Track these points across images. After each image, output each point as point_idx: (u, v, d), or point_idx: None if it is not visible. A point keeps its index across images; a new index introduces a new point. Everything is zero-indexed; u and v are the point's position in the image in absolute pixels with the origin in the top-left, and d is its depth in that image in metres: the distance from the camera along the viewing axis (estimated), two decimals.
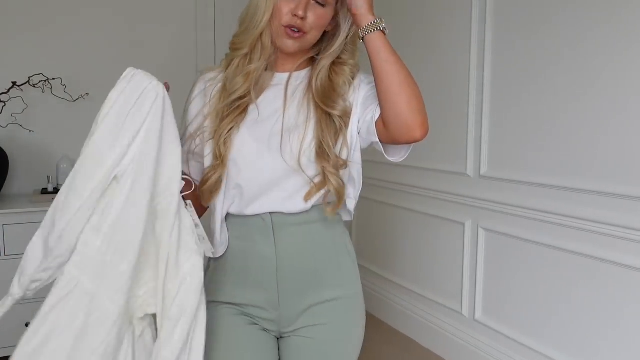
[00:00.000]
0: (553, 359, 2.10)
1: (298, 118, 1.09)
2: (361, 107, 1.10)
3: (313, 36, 1.08)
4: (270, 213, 1.10)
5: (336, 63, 1.11)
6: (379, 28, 1.02)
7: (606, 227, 1.87)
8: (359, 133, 1.10)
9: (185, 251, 0.98)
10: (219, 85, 1.13)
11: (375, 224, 3.24)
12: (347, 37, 1.11)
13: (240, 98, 1.09)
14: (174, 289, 0.95)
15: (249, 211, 1.10)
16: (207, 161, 1.10)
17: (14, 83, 2.61)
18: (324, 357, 1.15)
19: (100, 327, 0.92)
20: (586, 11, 1.92)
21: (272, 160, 1.07)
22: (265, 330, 1.15)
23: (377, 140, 1.07)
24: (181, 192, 0.99)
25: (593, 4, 1.90)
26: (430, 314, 2.80)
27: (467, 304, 2.55)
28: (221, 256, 1.14)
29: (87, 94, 2.79)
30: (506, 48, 2.27)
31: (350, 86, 1.12)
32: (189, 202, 1.03)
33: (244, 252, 1.13)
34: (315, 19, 1.05)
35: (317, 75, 1.10)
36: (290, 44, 1.07)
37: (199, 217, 1.12)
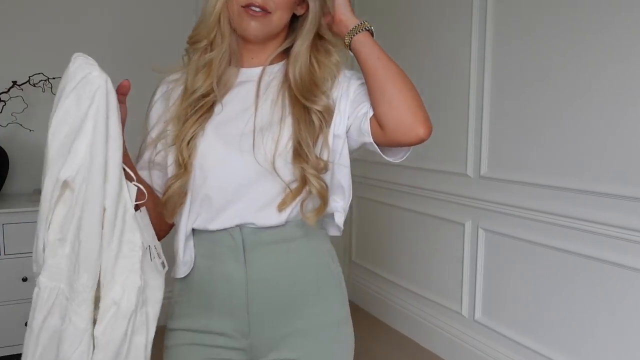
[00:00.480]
0: None
1: (272, 116, 0.96)
2: (351, 105, 0.99)
3: (279, 17, 0.95)
4: (240, 227, 0.96)
5: (319, 52, 1.00)
6: (366, 28, 0.96)
7: (606, 227, 1.87)
8: (347, 133, 0.99)
9: (121, 271, 0.85)
10: (182, 87, 1.00)
11: (375, 224, 3.24)
12: (319, 17, 0.99)
13: (203, 96, 0.97)
14: (101, 316, 0.84)
15: (216, 225, 0.96)
16: (170, 170, 0.97)
17: (15, 82, 2.61)
18: None
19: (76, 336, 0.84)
20: (587, 12, 1.92)
21: (244, 163, 0.94)
22: None
23: (371, 140, 0.96)
24: (135, 201, 0.89)
25: (594, 4, 1.90)
26: (429, 314, 2.80)
27: (466, 304, 2.55)
28: (186, 276, 1.00)
29: None
30: (506, 48, 2.27)
31: (333, 82, 1.00)
32: (139, 212, 0.91)
33: (210, 272, 0.98)
34: None
35: (295, 65, 0.98)
36: (253, 26, 0.94)
37: (164, 235, 1.03)
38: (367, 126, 0.96)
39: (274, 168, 0.93)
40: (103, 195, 0.83)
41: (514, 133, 2.25)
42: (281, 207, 0.95)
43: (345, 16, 0.96)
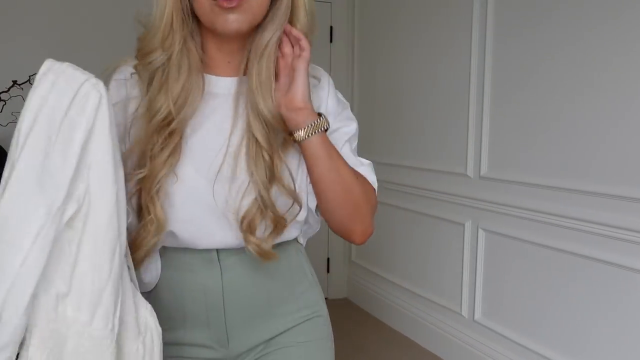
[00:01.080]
0: None
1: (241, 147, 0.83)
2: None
3: (258, 2, 0.77)
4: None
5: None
6: (323, 127, 0.82)
7: (606, 228, 1.87)
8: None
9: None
10: (138, 101, 0.82)
11: (375, 224, 3.24)
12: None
13: (166, 121, 0.79)
14: None
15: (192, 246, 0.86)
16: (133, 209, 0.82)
17: (15, 82, 2.61)
18: None
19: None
20: (587, 12, 1.92)
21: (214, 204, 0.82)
22: None
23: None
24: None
25: (594, 4, 1.90)
26: (429, 314, 2.80)
27: (466, 304, 2.55)
28: (151, 290, 0.89)
29: None
30: (507, 49, 2.27)
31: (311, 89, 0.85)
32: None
33: (180, 284, 0.87)
34: None
35: (261, 61, 0.81)
36: (232, 20, 0.76)
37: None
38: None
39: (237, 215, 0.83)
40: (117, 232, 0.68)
41: (514, 133, 2.25)
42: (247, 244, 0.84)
43: (306, 105, 0.81)
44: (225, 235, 0.84)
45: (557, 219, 2.05)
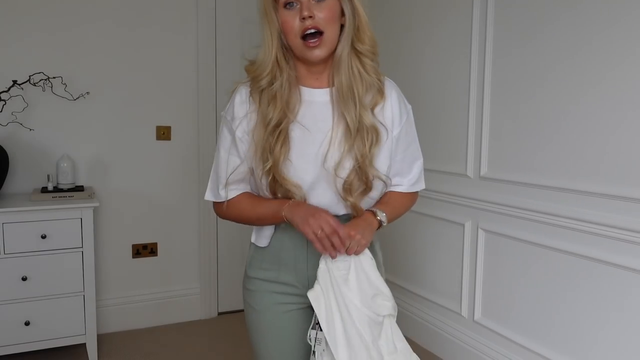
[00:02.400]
0: None
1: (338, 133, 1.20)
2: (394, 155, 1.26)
3: (331, 31, 1.12)
4: None
5: (356, 58, 1.17)
6: (382, 223, 1.22)
7: (606, 228, 1.87)
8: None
9: None
10: (256, 116, 1.19)
11: None
12: (355, 19, 1.16)
13: (277, 125, 1.15)
14: None
15: None
16: (264, 185, 1.20)
17: (15, 82, 2.61)
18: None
19: None
20: (587, 13, 1.92)
21: (320, 172, 1.17)
22: (297, 306, 1.27)
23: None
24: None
25: (594, 5, 1.90)
26: (429, 314, 2.80)
27: (466, 304, 2.55)
28: (265, 246, 1.28)
29: (88, 93, 2.79)
30: (507, 49, 2.27)
31: (382, 99, 1.22)
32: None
33: (282, 242, 1.25)
34: (324, 13, 1.10)
35: (340, 70, 1.17)
36: (317, 54, 1.13)
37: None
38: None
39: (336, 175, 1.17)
40: None
41: (514, 133, 2.25)
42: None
43: (363, 234, 1.17)
44: (327, 196, 1.18)
45: (557, 219, 2.05)
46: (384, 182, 1.22)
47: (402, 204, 1.29)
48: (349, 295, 1.14)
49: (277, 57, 1.14)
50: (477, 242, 2.46)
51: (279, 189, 1.16)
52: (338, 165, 1.15)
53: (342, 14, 1.15)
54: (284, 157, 1.14)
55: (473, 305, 2.51)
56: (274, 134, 1.14)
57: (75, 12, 2.78)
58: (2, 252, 2.35)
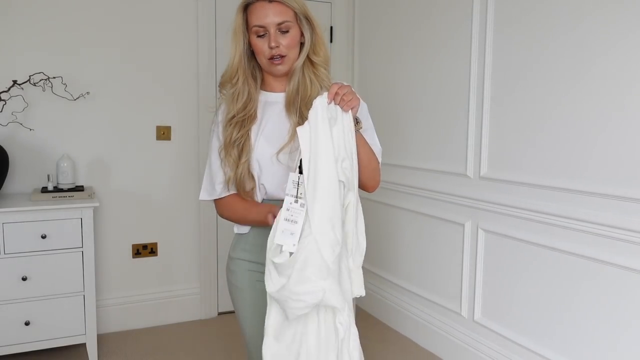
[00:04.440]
0: None
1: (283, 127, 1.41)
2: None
3: (292, 54, 1.39)
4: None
5: (309, 69, 1.41)
6: (360, 128, 1.37)
7: (606, 228, 1.87)
8: None
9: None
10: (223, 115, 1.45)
11: (376, 224, 3.24)
12: (311, 43, 1.39)
13: (235, 120, 1.41)
14: None
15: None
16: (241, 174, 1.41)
17: (15, 81, 2.61)
18: None
19: None
20: (586, 12, 1.92)
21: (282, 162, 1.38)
22: None
23: None
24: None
25: (593, 5, 1.90)
26: (429, 314, 2.80)
27: (466, 304, 2.55)
28: (246, 232, 1.46)
29: (88, 92, 2.79)
30: (506, 49, 2.27)
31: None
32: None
33: (260, 229, 1.42)
34: (287, 42, 1.36)
35: (292, 79, 1.41)
36: (280, 69, 1.39)
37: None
38: None
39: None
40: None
41: (514, 133, 2.25)
42: None
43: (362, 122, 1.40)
44: (278, 175, 1.38)
45: (557, 219, 2.05)
46: None
47: (371, 151, 1.41)
48: (330, 144, 1.20)
49: (238, 68, 1.40)
50: (477, 242, 2.46)
51: (241, 170, 1.38)
52: (289, 157, 1.37)
53: (302, 35, 1.39)
54: (244, 140, 1.38)
55: (473, 305, 2.51)
56: (236, 127, 1.39)
57: (75, 12, 2.78)
58: (2, 252, 2.35)
